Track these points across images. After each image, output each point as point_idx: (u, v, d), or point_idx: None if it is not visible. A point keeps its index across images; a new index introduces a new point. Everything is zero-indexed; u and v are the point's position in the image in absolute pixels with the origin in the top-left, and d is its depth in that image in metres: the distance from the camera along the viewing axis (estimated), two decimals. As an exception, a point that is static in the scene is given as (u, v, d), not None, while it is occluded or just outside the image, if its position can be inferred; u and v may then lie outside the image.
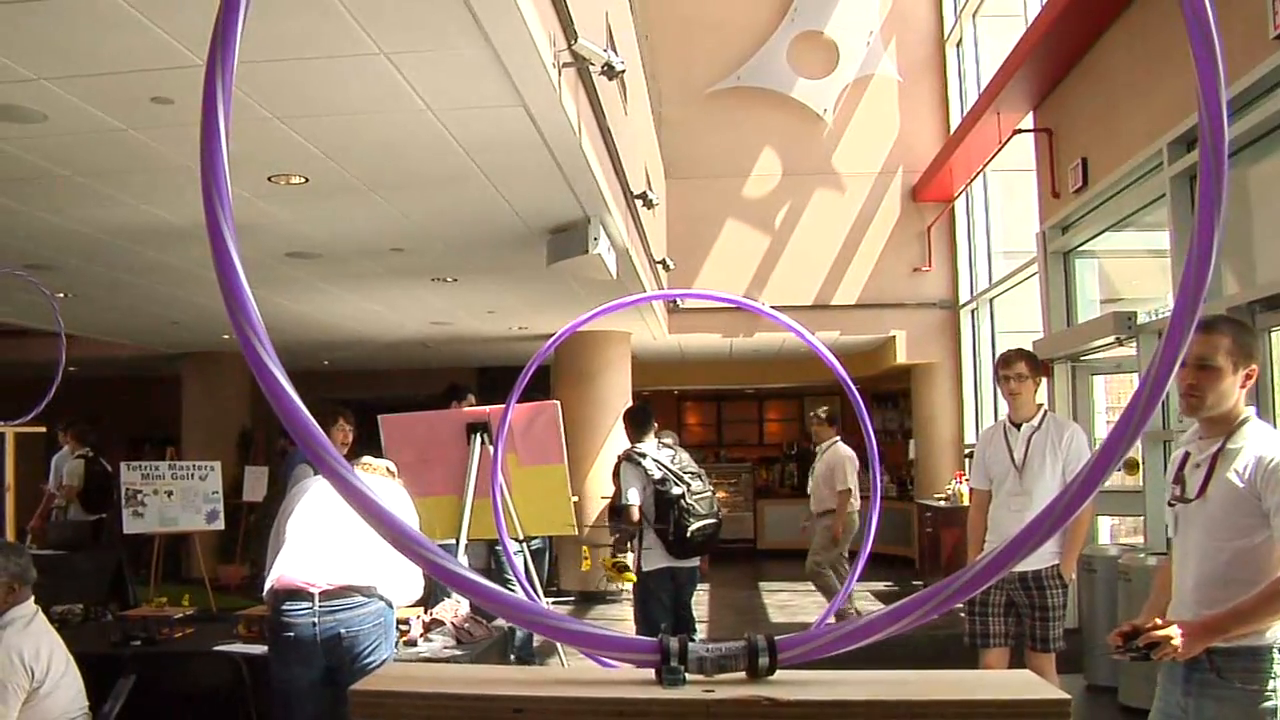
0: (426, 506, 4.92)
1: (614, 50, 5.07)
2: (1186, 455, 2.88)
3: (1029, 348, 5.26)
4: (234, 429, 13.58)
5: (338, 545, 4.01)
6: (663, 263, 9.78)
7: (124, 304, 9.36)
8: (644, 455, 6.19)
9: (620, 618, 9.96)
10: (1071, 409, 8.01)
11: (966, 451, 11.54)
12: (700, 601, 10.48)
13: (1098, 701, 6.33)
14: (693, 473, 6.28)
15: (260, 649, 4.50)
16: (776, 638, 1.47)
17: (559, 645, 6.16)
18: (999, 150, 9.21)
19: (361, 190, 5.76)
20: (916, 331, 12.22)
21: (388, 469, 4.59)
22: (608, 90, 5.67)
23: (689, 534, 6.07)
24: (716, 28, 12.39)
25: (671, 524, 6.04)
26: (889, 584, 11.67)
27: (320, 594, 3.94)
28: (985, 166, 10.22)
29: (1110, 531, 8.19)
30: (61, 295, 8.46)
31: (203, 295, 8.78)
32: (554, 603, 10.32)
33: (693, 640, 1.49)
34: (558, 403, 5.83)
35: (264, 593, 4.14)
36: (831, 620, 5.69)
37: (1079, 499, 1.37)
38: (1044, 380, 6.68)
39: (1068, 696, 1.37)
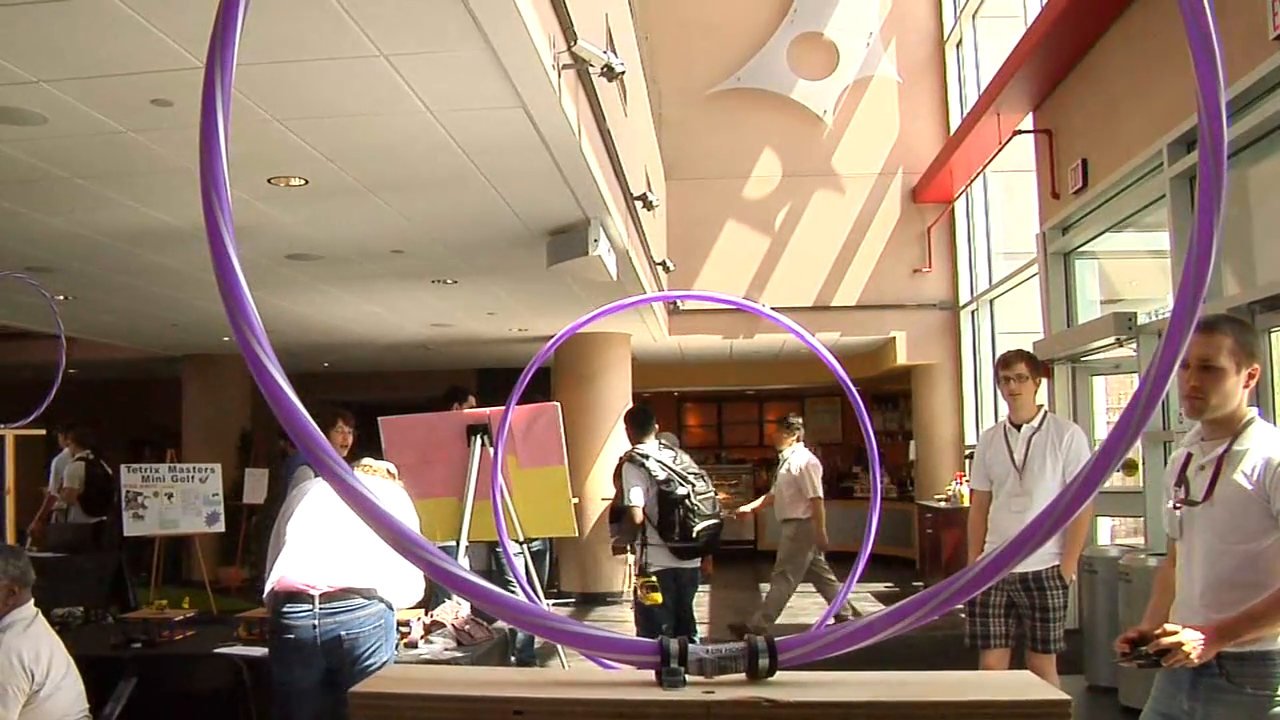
0: (427, 508, 4.91)
1: (614, 52, 5.07)
2: (1189, 457, 2.86)
3: (1029, 349, 5.26)
4: (234, 431, 13.58)
5: (338, 547, 4.01)
6: (663, 264, 9.78)
7: (123, 306, 9.36)
8: (647, 456, 6.18)
9: (621, 619, 9.95)
10: (1072, 410, 8.01)
11: (967, 452, 11.54)
12: (701, 603, 10.47)
13: (1098, 702, 6.33)
14: (695, 473, 6.28)
15: (261, 651, 4.50)
16: (776, 639, 1.47)
17: (559, 647, 6.17)
18: (999, 151, 9.21)
19: (361, 192, 5.76)
20: (917, 332, 12.22)
21: (388, 471, 4.59)
22: (608, 92, 5.67)
23: (694, 534, 6.06)
24: (716, 29, 12.40)
25: (677, 524, 6.04)
26: (889, 585, 11.67)
27: (320, 596, 3.94)
28: (985, 167, 10.23)
29: (1110, 532, 8.19)
30: (61, 297, 8.47)
31: (202, 297, 8.78)
32: (554, 604, 10.32)
33: (693, 642, 1.49)
34: (558, 404, 5.83)
35: (264, 595, 4.14)
36: (832, 621, 5.69)
37: (1079, 499, 1.37)
38: (1044, 381, 6.68)
39: (1068, 697, 1.37)
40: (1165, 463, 4.61)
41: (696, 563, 6.34)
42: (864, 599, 10.70)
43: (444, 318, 10.57)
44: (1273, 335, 5.46)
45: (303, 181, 5.51)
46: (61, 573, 7.55)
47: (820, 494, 8.76)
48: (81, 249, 6.89)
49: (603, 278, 7.03)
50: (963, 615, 4.96)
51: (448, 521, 5.40)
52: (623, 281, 7.70)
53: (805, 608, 10.68)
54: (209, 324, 10.46)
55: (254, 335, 1.32)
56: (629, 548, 6.33)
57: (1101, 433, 7.89)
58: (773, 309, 5.75)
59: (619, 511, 6.36)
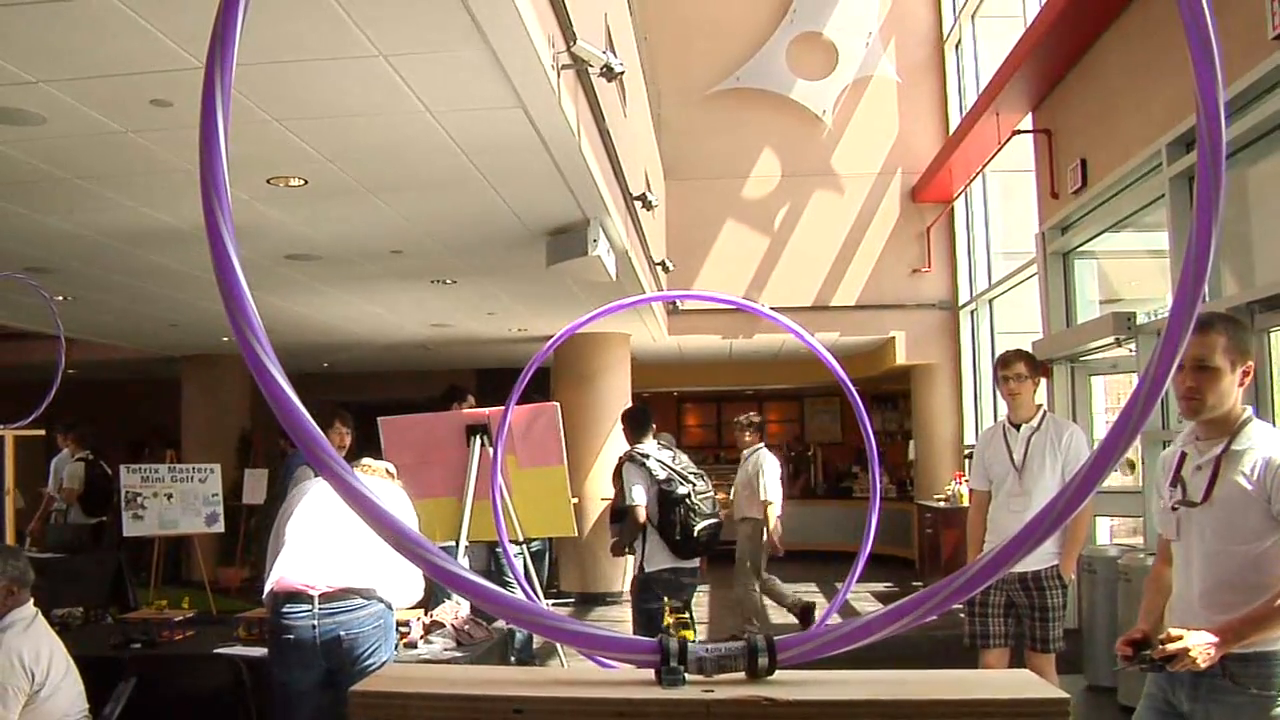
0: (426, 509, 4.92)
1: (613, 52, 5.07)
2: (1183, 456, 2.84)
3: (1028, 348, 5.26)
4: (233, 431, 13.58)
5: (337, 547, 4.01)
6: (662, 264, 9.78)
7: (123, 307, 9.36)
8: (647, 455, 6.19)
9: (620, 619, 9.95)
10: (1071, 409, 8.02)
11: (966, 452, 11.54)
12: (700, 602, 10.48)
13: (1098, 702, 6.34)
14: (695, 473, 6.28)
15: (260, 651, 4.51)
16: (775, 638, 1.47)
17: (559, 648, 6.17)
18: (998, 151, 9.22)
19: (361, 192, 5.76)
20: (916, 332, 12.23)
21: (387, 470, 4.59)
22: (607, 92, 5.68)
23: (695, 533, 6.07)
24: (715, 29, 12.40)
25: (677, 524, 6.04)
26: (889, 585, 11.67)
27: (320, 596, 3.94)
28: (984, 167, 10.23)
29: (1110, 532, 8.20)
30: (61, 298, 8.47)
31: (202, 297, 8.78)
32: (554, 604, 10.31)
33: (692, 641, 1.49)
34: (557, 404, 5.83)
35: (264, 595, 4.14)
36: (833, 620, 5.69)
37: (1077, 498, 1.37)
38: (1043, 381, 6.69)
39: (1067, 696, 1.37)
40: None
41: (696, 562, 6.34)
42: (863, 599, 10.71)
43: (443, 318, 10.57)
44: (1272, 335, 5.47)
45: (302, 182, 5.51)
46: (61, 573, 7.56)
47: (770, 497, 8.50)
48: (81, 249, 6.89)
49: (602, 278, 7.03)
50: (962, 615, 4.96)
51: (447, 522, 5.41)
52: (622, 281, 7.70)
53: (805, 607, 10.68)
54: (208, 324, 10.46)
55: (254, 335, 1.32)
56: (629, 548, 6.32)
57: (1101, 432, 7.89)
58: (772, 309, 5.75)
59: (620, 512, 6.36)
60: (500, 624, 5.10)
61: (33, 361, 11.73)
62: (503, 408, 5.18)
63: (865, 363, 13.31)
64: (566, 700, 1.42)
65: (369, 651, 3.98)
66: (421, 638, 4.72)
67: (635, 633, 6.09)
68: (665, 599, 6.19)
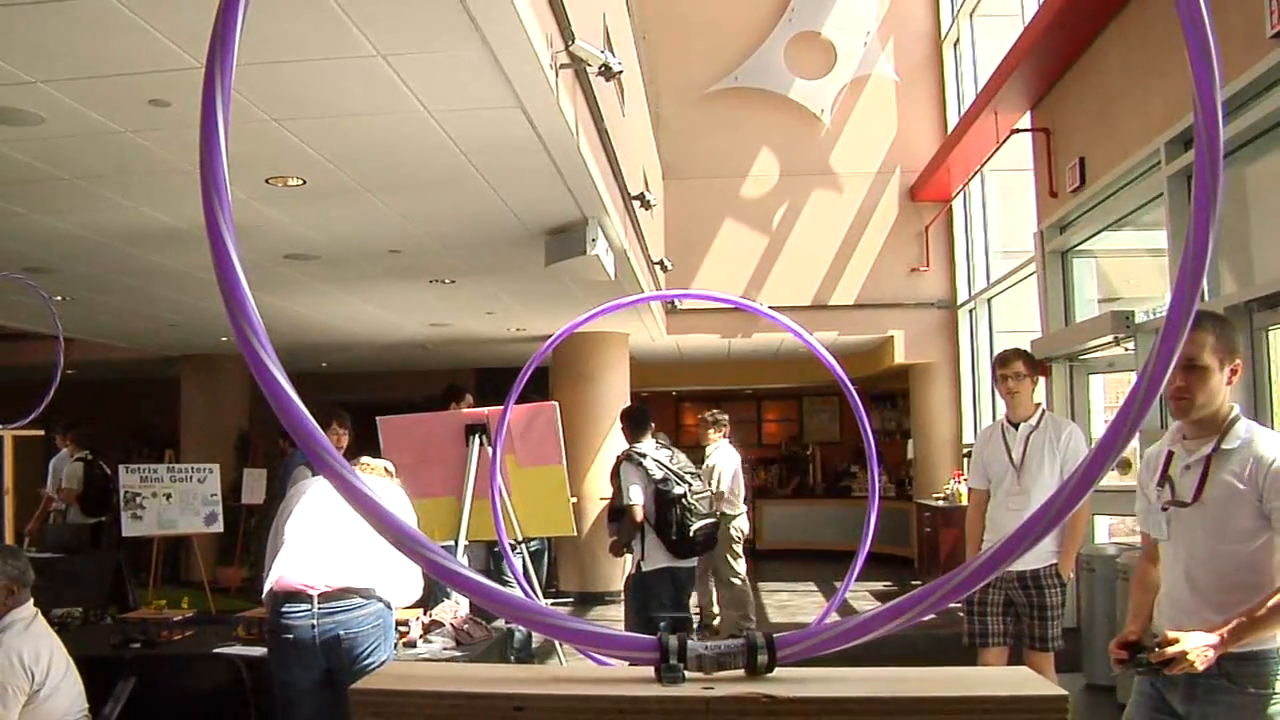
0: (425, 508, 4.92)
1: (611, 51, 5.08)
2: (1170, 456, 2.83)
3: (1027, 347, 5.27)
4: (232, 431, 13.58)
5: (336, 547, 4.02)
6: (661, 263, 9.79)
7: (122, 307, 9.36)
8: (644, 455, 6.20)
9: (620, 618, 9.95)
10: (1069, 408, 8.03)
11: (965, 451, 11.55)
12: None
13: (1097, 701, 6.34)
14: (692, 473, 6.29)
15: (260, 651, 4.51)
16: (775, 636, 1.47)
17: (558, 648, 6.18)
18: (996, 150, 9.22)
19: (359, 192, 5.76)
20: (915, 331, 12.23)
21: (386, 469, 4.60)
22: (605, 91, 5.68)
23: (691, 533, 6.07)
24: (714, 28, 12.41)
25: (674, 523, 6.05)
26: (888, 584, 11.68)
27: (319, 596, 3.94)
28: (983, 166, 10.23)
29: (1108, 531, 8.20)
30: (59, 298, 8.47)
31: (201, 297, 8.79)
32: (553, 603, 10.31)
33: (691, 639, 1.49)
34: (556, 404, 5.84)
35: (263, 595, 4.14)
36: (832, 618, 5.69)
37: (1075, 496, 1.38)
38: (1041, 380, 6.69)
39: (1065, 693, 1.38)
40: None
41: (694, 561, 6.35)
42: (862, 597, 10.71)
43: (442, 317, 10.57)
44: (1270, 333, 5.47)
45: (300, 181, 5.51)
46: (60, 573, 7.56)
47: (725, 491, 8.46)
48: (80, 249, 6.89)
49: (601, 277, 7.03)
50: (961, 614, 4.97)
51: (446, 521, 5.41)
52: (620, 281, 7.71)
53: (803, 606, 10.70)
54: (207, 324, 10.46)
55: (255, 335, 1.32)
56: (628, 546, 6.33)
57: (1099, 431, 7.89)
58: (770, 308, 5.76)
59: (618, 511, 6.37)
60: (499, 623, 5.11)
61: (31, 362, 11.72)
62: (502, 407, 5.19)
63: (864, 362, 13.32)
64: (567, 698, 1.42)
65: (368, 651, 3.99)
66: (421, 637, 4.73)
67: (628, 630, 6.09)
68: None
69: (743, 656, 1.45)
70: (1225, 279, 5.86)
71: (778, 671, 1.45)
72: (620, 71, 4.94)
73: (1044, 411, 4.99)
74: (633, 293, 8.20)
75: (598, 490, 11.05)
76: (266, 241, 6.80)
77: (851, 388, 4.86)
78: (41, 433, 7.25)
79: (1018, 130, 8.85)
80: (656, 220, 10.17)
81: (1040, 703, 1.37)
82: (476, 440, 5.52)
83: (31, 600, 3.83)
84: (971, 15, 11.43)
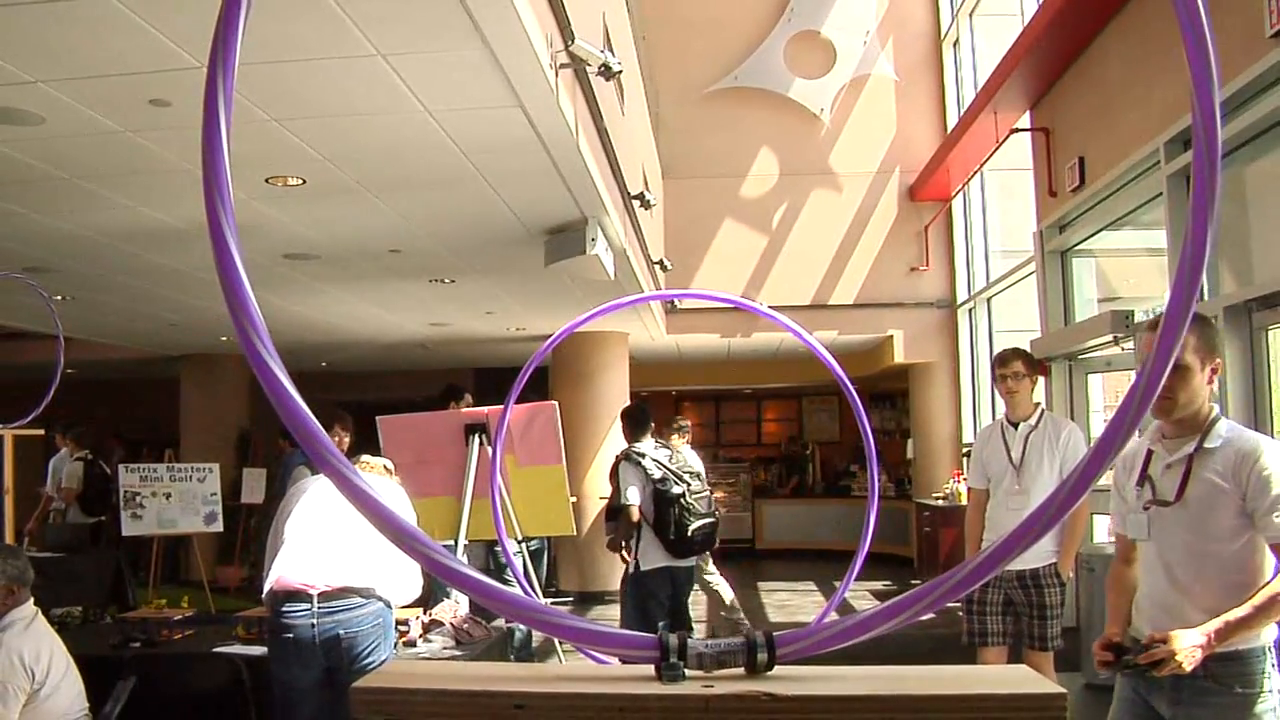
0: (425, 507, 4.92)
1: (611, 51, 5.08)
2: (1149, 455, 2.82)
3: (1026, 347, 5.27)
4: (232, 431, 13.59)
5: (336, 546, 4.03)
6: (660, 263, 9.79)
7: (122, 306, 9.36)
8: (643, 455, 6.20)
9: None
10: (1069, 408, 8.03)
11: (964, 451, 11.56)
12: (699, 601, 10.48)
13: (1096, 700, 6.33)
14: (692, 472, 6.30)
15: (259, 650, 4.52)
16: (775, 634, 1.48)
17: (557, 647, 6.18)
18: (996, 149, 9.22)
19: (359, 191, 5.77)
20: (914, 331, 12.24)
21: (385, 468, 4.61)
22: (605, 91, 5.68)
23: (689, 533, 6.08)
24: (713, 28, 12.41)
25: (672, 523, 6.05)
26: (887, 583, 11.68)
27: (319, 595, 3.95)
28: (982, 166, 10.23)
29: (1108, 530, 8.20)
30: (60, 298, 8.47)
31: (201, 297, 8.79)
32: (553, 603, 10.30)
33: (691, 637, 1.50)
34: (556, 403, 5.84)
35: (263, 594, 4.15)
36: (832, 618, 5.70)
37: (1074, 495, 1.38)
38: (1041, 379, 6.69)
39: (1064, 691, 1.38)
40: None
41: (692, 561, 6.36)
42: (861, 597, 10.72)
43: (442, 317, 10.57)
44: (1270, 333, 5.48)
45: (300, 181, 5.51)
46: (60, 573, 7.56)
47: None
48: (79, 249, 6.89)
49: (600, 277, 7.03)
50: (960, 613, 4.97)
51: (445, 521, 5.41)
52: (620, 280, 7.71)
53: (803, 605, 10.71)
54: (207, 324, 10.46)
55: (258, 336, 1.33)
56: (625, 545, 6.33)
57: (1098, 430, 7.89)
58: (770, 307, 5.76)
59: (615, 510, 6.38)
60: (499, 622, 5.11)
61: (32, 361, 11.72)
62: (501, 407, 5.19)
63: (863, 361, 13.32)
64: (567, 696, 1.42)
65: (368, 650, 3.99)
66: (420, 636, 4.73)
67: (623, 627, 6.10)
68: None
69: (743, 655, 1.46)
70: (1225, 279, 5.86)
71: (777, 670, 1.46)
72: (620, 71, 4.94)
73: (1043, 411, 5.00)
74: (632, 292, 8.21)
75: (597, 490, 11.05)
76: (266, 241, 6.81)
77: (851, 387, 4.87)
78: (41, 432, 7.25)
79: (1017, 130, 8.85)
80: (656, 220, 10.17)
81: (1039, 701, 1.37)
82: (476, 440, 5.52)
83: (32, 599, 3.83)
84: (971, 15, 11.44)
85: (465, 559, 5.51)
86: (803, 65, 12.32)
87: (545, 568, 8.12)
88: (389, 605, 4.15)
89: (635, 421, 6.46)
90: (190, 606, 6.04)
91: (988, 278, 11.14)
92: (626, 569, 6.36)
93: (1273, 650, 2.63)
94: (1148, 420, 2.75)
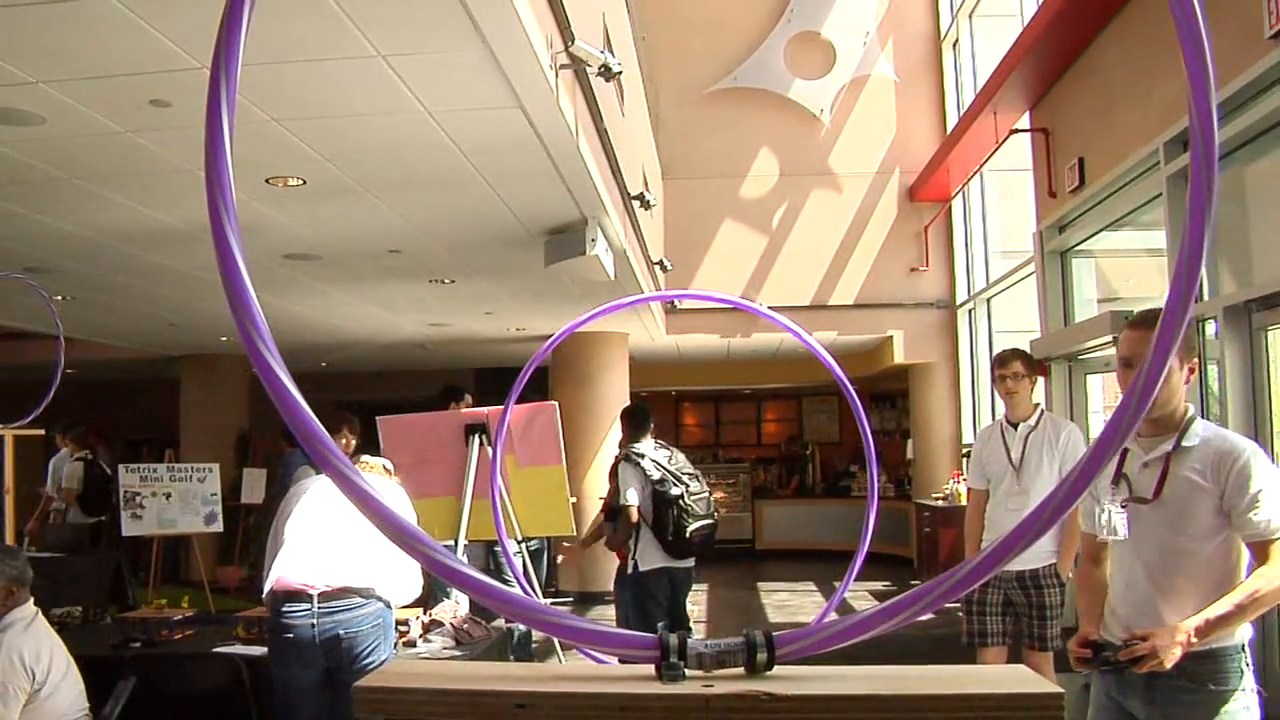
0: (425, 508, 4.93)
1: (611, 52, 5.08)
2: (1124, 454, 2.82)
3: (1026, 347, 5.27)
4: (232, 431, 13.59)
5: (336, 547, 4.03)
6: (660, 263, 9.79)
7: (122, 306, 9.36)
8: (642, 455, 6.20)
9: (619, 618, 9.96)
10: (1069, 408, 8.03)
11: (964, 451, 11.56)
12: (699, 601, 10.50)
13: (1095, 700, 6.34)
14: (690, 473, 6.29)
15: (260, 650, 4.52)
16: (774, 634, 1.48)
17: (557, 648, 6.18)
18: (996, 150, 9.23)
19: (359, 192, 5.77)
20: (914, 331, 12.24)
21: (384, 467, 4.62)
22: (605, 92, 5.69)
23: (688, 534, 6.08)
24: (713, 28, 12.41)
25: (670, 524, 6.05)
26: (887, 583, 11.69)
27: (319, 595, 3.95)
28: (982, 166, 10.24)
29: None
30: (60, 298, 8.48)
31: (201, 297, 8.79)
32: (553, 603, 10.30)
33: (691, 637, 1.50)
34: (555, 404, 5.84)
35: (263, 594, 4.15)
36: (831, 618, 5.70)
37: (1072, 496, 1.39)
38: (1040, 380, 6.70)
39: (1061, 690, 1.39)
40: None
41: (691, 562, 6.35)
42: (861, 597, 10.72)
43: (441, 317, 10.58)
44: (1269, 333, 5.48)
45: (301, 182, 5.52)
46: (60, 573, 7.56)
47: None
48: (80, 249, 6.90)
49: (600, 277, 7.04)
50: (960, 614, 4.98)
51: (445, 521, 5.42)
52: (620, 281, 7.71)
53: (802, 606, 10.72)
54: (207, 324, 10.47)
55: (260, 337, 1.33)
56: (624, 545, 6.33)
57: (1098, 430, 7.89)
58: (770, 308, 5.77)
59: (615, 510, 6.38)
60: (499, 623, 5.12)
61: (32, 361, 11.73)
62: (502, 407, 5.20)
63: (863, 362, 13.33)
64: (568, 695, 1.43)
65: (368, 650, 4.00)
66: (420, 636, 4.74)
67: (620, 627, 6.10)
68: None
69: (742, 655, 1.46)
70: (1224, 279, 5.86)
71: (777, 670, 1.46)
72: (620, 72, 4.95)
73: (1043, 411, 5.00)
74: (632, 293, 8.21)
75: (597, 490, 11.03)
76: (267, 241, 6.81)
77: (850, 388, 4.87)
78: (42, 432, 7.25)
79: (1017, 130, 8.86)
80: (656, 220, 10.17)
81: (1036, 700, 1.38)
82: (476, 440, 5.53)
83: (31, 600, 3.83)
84: (971, 15, 11.44)
85: (465, 559, 5.52)
86: (802, 66, 12.33)
87: (545, 568, 8.11)
88: (389, 605, 4.15)
89: (635, 422, 6.45)
90: (190, 606, 6.05)
91: (987, 278, 11.14)
92: (622, 569, 6.36)
93: (1247, 649, 2.65)
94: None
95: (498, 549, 6.04)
